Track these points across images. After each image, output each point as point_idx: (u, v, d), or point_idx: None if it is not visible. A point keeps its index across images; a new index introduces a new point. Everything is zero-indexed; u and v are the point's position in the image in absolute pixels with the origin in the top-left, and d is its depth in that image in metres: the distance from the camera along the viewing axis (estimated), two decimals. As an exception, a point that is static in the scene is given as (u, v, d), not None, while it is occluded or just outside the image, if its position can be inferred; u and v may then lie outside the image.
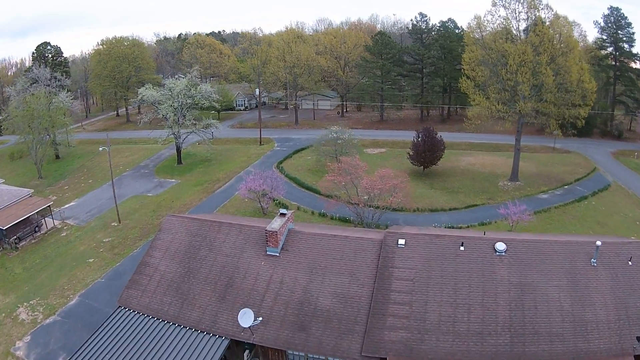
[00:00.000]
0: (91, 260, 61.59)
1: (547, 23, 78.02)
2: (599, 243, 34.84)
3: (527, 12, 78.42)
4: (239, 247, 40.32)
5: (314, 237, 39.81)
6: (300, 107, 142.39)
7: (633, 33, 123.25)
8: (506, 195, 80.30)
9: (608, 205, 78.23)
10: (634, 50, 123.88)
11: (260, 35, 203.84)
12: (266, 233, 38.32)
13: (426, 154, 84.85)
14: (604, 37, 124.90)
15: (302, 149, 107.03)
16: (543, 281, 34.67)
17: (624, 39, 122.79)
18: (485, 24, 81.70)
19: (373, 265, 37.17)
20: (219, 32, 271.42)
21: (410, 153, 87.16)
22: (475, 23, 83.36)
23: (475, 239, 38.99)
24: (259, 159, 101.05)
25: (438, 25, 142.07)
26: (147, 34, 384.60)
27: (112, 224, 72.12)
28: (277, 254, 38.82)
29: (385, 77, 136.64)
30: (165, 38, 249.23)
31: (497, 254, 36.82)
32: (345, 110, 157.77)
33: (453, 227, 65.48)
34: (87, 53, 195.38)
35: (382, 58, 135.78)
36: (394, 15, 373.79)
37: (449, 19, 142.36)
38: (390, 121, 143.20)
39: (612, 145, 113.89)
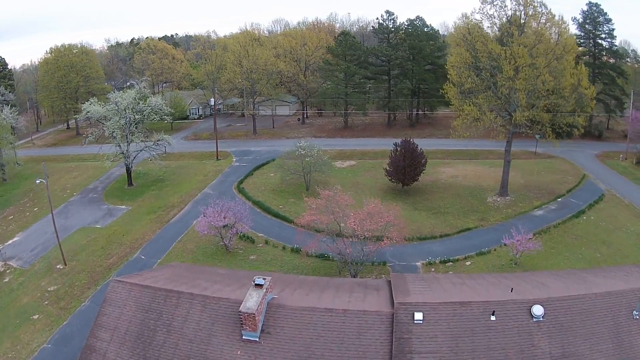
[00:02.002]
0: (36, 316, 52.80)
1: (542, 21, 71.32)
2: None
3: (519, 10, 71.42)
4: (205, 329, 31.52)
5: (303, 313, 31.22)
6: (257, 114, 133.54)
7: (613, 29, 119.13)
8: (498, 213, 74.14)
9: (608, 220, 73.22)
10: (614, 47, 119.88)
11: (215, 38, 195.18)
12: (240, 315, 29.50)
13: (406, 170, 77.33)
14: (582, 34, 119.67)
15: (264, 165, 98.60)
16: (587, 348, 29.68)
17: (603, 35, 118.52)
18: (474, 23, 74.31)
19: (384, 351, 28.94)
20: (172, 35, 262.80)
21: (388, 168, 79.33)
22: (463, 22, 76.05)
23: (508, 304, 31.84)
24: (217, 178, 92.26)
25: (406, 24, 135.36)
26: (100, 40, 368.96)
27: (58, 266, 62.96)
28: (257, 339, 30.11)
29: (349, 81, 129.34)
30: (117, 43, 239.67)
31: (535, 320, 30.77)
32: (305, 116, 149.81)
33: (450, 261, 58.91)
34: (38, 62, 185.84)
35: (346, 60, 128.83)
36: (348, 14, 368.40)
37: (417, 17, 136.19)
38: (355, 127, 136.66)
39: (595, 147, 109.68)
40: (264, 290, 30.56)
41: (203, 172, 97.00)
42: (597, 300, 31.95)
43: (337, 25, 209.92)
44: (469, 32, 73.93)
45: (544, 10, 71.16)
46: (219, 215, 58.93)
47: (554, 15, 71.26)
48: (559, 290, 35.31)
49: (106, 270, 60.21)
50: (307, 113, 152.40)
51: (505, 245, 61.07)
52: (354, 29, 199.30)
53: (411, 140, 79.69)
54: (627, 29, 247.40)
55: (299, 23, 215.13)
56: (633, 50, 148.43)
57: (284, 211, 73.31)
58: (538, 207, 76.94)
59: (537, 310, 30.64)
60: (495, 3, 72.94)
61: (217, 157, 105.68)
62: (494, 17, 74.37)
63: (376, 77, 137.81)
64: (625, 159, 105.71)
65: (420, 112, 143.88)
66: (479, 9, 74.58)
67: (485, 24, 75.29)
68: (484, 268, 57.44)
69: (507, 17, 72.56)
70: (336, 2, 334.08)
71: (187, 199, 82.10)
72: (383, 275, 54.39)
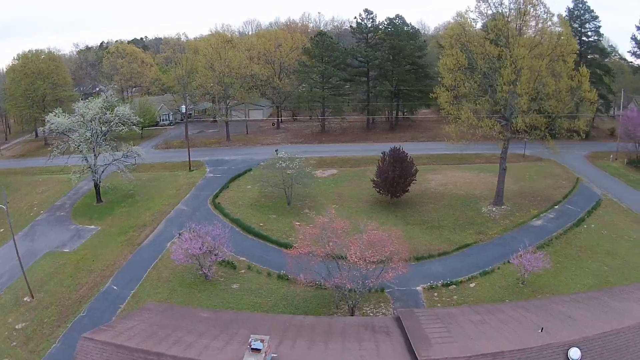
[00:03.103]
0: (4, 361, 48.28)
1: (542, 20, 69.10)
2: None
3: (518, 7, 68.89)
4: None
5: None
6: (229, 118, 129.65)
7: (599, 27, 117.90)
8: (496, 225, 71.43)
9: (609, 228, 71.23)
10: (601, 45, 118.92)
11: (185, 41, 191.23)
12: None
13: (396, 181, 73.83)
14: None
15: (240, 175, 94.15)
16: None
17: (589, 33, 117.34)
18: (469, 23, 71.74)
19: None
20: (141, 38, 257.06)
21: (376, 180, 75.91)
22: (458, 22, 73.10)
23: (544, 350, 29.24)
24: (190, 192, 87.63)
25: (385, 23, 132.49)
26: (69, 45, 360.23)
27: (25, 299, 57.81)
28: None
29: (326, 83, 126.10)
30: (87, 48, 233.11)
31: (574, 366, 28.46)
32: (280, 120, 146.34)
33: (453, 284, 55.68)
34: (4, 69, 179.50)
35: (323, 61, 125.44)
36: (319, 13, 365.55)
37: (397, 16, 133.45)
38: (333, 132, 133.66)
39: (582, 147, 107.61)
40: (263, 354, 26.79)
41: (175, 185, 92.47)
42: (630, 334, 30.66)
43: (311, 25, 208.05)
44: (464, 32, 71.02)
45: (542, 9, 68.87)
46: (196, 241, 54.75)
47: (554, 14, 69.26)
48: (589, 324, 33.40)
49: (76, 303, 55.54)
50: (281, 118, 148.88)
51: (508, 262, 58.59)
52: (329, 28, 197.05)
53: (400, 148, 76.40)
54: (609, 26, 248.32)
55: (271, 24, 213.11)
56: (611, 46, 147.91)
57: (265, 230, 69.24)
58: (536, 216, 74.50)
59: (575, 353, 28.68)
60: (491, 1, 70.44)
61: (189, 168, 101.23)
62: (488, 16, 71.90)
63: (354, 79, 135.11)
64: (616, 159, 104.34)
65: (400, 114, 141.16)
66: (475, 7, 72.26)
67: (480, 24, 73.15)
68: (489, 290, 54.43)
69: (504, 15, 69.86)
70: (307, 1, 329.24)
71: (160, 216, 77.55)
72: (382, 304, 51.24)
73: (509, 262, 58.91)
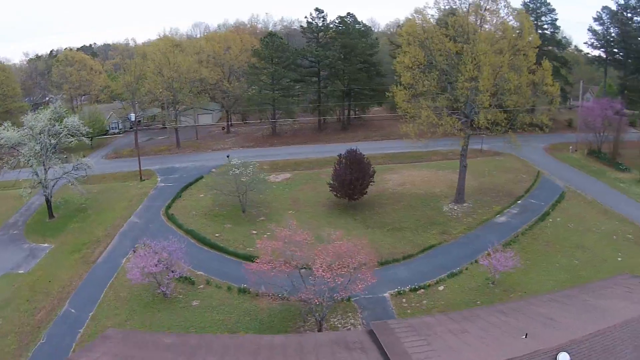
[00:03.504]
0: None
1: (504, 15, 69.71)
2: None
3: (479, 2, 68.83)
4: None
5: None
6: (179, 124, 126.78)
7: (556, 19, 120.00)
8: (459, 224, 71.04)
9: (575, 220, 71.93)
10: (558, 37, 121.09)
11: (133, 46, 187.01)
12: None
13: (353, 184, 72.42)
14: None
15: (192, 184, 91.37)
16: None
17: (546, 26, 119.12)
18: (428, 19, 71.15)
19: None
20: (90, 45, 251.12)
21: (333, 183, 74.42)
22: (418, 18, 72.31)
23: (532, 358, 27.96)
24: (142, 203, 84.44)
25: (337, 21, 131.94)
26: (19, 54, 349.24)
27: (-18, 327, 54.54)
28: None
29: (276, 85, 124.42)
30: (37, 56, 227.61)
31: (564, 371, 27.80)
32: (230, 124, 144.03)
33: (421, 288, 54.54)
34: None
35: (273, 63, 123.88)
36: (266, 14, 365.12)
37: (348, 14, 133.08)
38: (284, 134, 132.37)
39: (541, 140, 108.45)
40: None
41: (127, 197, 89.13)
42: (617, 332, 30.45)
43: (259, 26, 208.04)
44: (423, 29, 70.22)
45: (503, 3, 69.13)
46: (151, 258, 52.18)
47: (515, 9, 69.62)
48: (573, 326, 32.70)
49: (35, 329, 52.21)
50: (231, 121, 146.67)
51: (476, 262, 58.67)
52: (278, 29, 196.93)
53: (357, 149, 75.14)
54: (564, 17, 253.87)
55: (219, 26, 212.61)
56: (565, 37, 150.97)
57: (221, 240, 66.89)
58: (499, 212, 74.49)
59: (564, 358, 27.84)
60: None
61: (140, 178, 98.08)
62: (447, 12, 71.74)
63: (305, 80, 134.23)
64: (576, 150, 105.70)
65: (352, 114, 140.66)
66: (434, 3, 72.30)
67: (437, 20, 72.48)
68: (459, 292, 53.58)
69: (464, 11, 69.58)
70: (256, 2, 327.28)
71: (113, 231, 74.41)
72: (350, 314, 49.60)
73: (476, 262, 58.85)
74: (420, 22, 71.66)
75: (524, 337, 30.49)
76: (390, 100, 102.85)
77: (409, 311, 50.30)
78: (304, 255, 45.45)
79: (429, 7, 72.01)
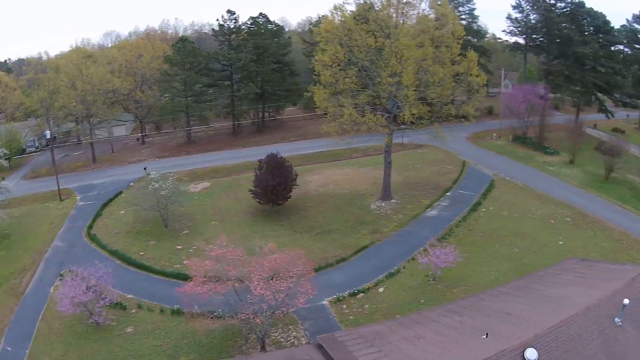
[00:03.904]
0: None
1: (425, 8, 70.10)
2: (626, 302, 30.35)
3: None
4: None
5: None
6: (94, 139, 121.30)
7: (474, 9, 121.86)
8: (389, 222, 69.81)
9: (508, 208, 72.48)
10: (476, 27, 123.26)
11: (46, 59, 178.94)
12: None
13: (277, 190, 70.02)
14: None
15: (111, 200, 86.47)
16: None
17: (464, 16, 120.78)
18: (348, 15, 69.42)
19: None
20: (5, 61, 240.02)
21: (255, 190, 71.66)
22: (337, 15, 70.47)
23: (499, 359, 26.56)
24: (64, 224, 78.93)
25: (249, 22, 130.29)
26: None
27: None
28: None
29: (189, 91, 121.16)
30: None
31: (531, 367, 26.93)
32: (144, 135, 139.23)
33: (360, 292, 52.73)
34: None
35: (185, 68, 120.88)
36: (175, 19, 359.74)
37: (260, 14, 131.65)
38: (200, 141, 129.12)
39: (462, 129, 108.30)
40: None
41: (48, 219, 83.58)
42: (580, 321, 29.93)
43: (170, 31, 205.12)
44: (343, 25, 68.57)
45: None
46: (79, 286, 48.31)
47: (437, 1, 68.95)
48: (533, 319, 31.96)
49: None
50: (146, 132, 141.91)
51: (413, 259, 57.72)
52: (189, 33, 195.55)
53: (277, 153, 72.80)
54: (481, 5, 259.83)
55: (130, 34, 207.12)
56: (479, 26, 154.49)
57: (147, 259, 63.26)
58: (429, 206, 73.95)
59: (532, 354, 26.91)
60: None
61: (60, 198, 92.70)
62: (367, 7, 70.51)
63: (218, 84, 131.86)
64: (499, 137, 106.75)
65: (267, 115, 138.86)
66: None
67: (356, 15, 71.21)
68: (401, 292, 52.06)
69: (383, 3, 68.57)
70: (165, 8, 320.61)
71: (38, 257, 69.15)
72: (291, 327, 47.12)
73: (413, 259, 57.84)
74: (339, 18, 70.07)
75: (484, 337, 29.28)
76: (305, 100, 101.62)
77: (351, 317, 48.41)
78: (238, 274, 42.63)
79: (348, 3, 69.75)
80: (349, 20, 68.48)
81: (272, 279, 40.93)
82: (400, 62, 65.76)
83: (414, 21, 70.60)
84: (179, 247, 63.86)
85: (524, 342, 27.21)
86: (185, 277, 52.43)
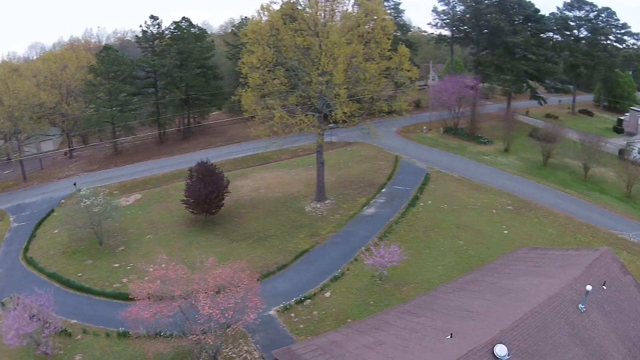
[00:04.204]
0: None
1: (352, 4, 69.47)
2: (589, 288, 31.10)
3: None
4: None
5: None
6: (23, 155, 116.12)
7: (399, 4, 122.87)
8: (327, 223, 68.97)
9: (447, 201, 72.98)
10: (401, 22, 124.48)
11: None
12: None
13: (209, 198, 68.18)
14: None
15: (45, 220, 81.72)
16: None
17: (389, 11, 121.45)
18: (275, 14, 67.76)
19: None
20: None
21: (187, 199, 69.48)
22: (264, 15, 68.66)
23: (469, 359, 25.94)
24: (1, 248, 74.65)
25: (172, 27, 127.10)
26: None
27: None
28: None
29: (114, 101, 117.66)
30: None
31: (503, 364, 26.87)
32: (72, 148, 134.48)
33: (307, 298, 51.68)
34: None
35: (109, 78, 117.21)
36: (98, 27, 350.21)
37: (183, 18, 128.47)
38: (127, 152, 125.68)
39: (391, 124, 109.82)
40: None
41: None
42: (544, 311, 30.02)
43: (93, 40, 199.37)
44: (271, 26, 67.14)
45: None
46: (22, 317, 45.46)
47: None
48: (496, 314, 31.77)
49: None
50: (73, 145, 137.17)
51: (356, 260, 57.26)
52: (112, 41, 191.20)
53: (208, 161, 70.86)
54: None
55: (54, 45, 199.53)
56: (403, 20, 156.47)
57: (85, 280, 60.33)
58: (366, 204, 73.57)
59: (501, 350, 26.61)
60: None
61: None
62: (294, 5, 69.57)
63: (143, 92, 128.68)
64: (430, 129, 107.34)
65: (192, 121, 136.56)
66: None
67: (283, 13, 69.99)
68: (348, 295, 51.28)
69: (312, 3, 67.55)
70: (88, 17, 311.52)
71: None
72: (241, 341, 45.44)
73: (356, 260, 57.34)
74: (266, 19, 68.64)
75: (449, 337, 28.61)
76: (230, 103, 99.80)
77: (301, 326, 47.26)
78: (183, 293, 40.78)
79: (274, 2, 68.40)
80: (277, 19, 67.02)
81: (218, 295, 39.41)
82: (331, 61, 64.91)
83: (342, 18, 69.86)
84: (116, 264, 61.47)
85: (491, 339, 26.74)
86: (126, 297, 50.50)
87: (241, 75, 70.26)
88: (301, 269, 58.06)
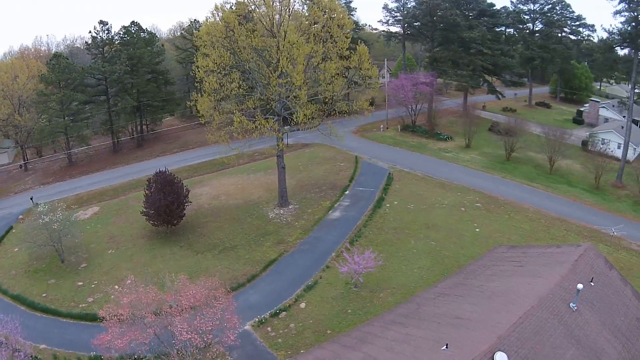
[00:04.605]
0: None
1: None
2: (580, 287, 30.99)
3: None
4: None
5: None
6: None
7: (350, 1, 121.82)
8: (292, 230, 67.79)
9: (414, 200, 72.52)
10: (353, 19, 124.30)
11: None
12: None
13: (170, 209, 66.20)
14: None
15: (3, 237, 77.63)
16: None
17: (340, 9, 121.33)
18: (230, 14, 65.93)
19: None
20: None
21: (147, 211, 67.38)
22: (218, 15, 66.89)
23: None
24: None
25: (122, 32, 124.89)
26: None
27: None
28: None
29: (66, 110, 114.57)
30: None
31: (505, 373, 26.07)
32: (26, 161, 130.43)
33: (282, 310, 50.17)
34: None
35: (60, 87, 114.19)
36: (47, 35, 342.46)
37: (133, 22, 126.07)
38: (81, 162, 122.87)
39: (346, 124, 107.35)
40: None
41: None
42: (538, 313, 29.80)
43: (43, 48, 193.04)
44: (226, 26, 65.24)
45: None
46: None
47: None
48: (489, 319, 30.79)
49: None
50: (27, 157, 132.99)
51: (327, 267, 56.54)
52: (62, 49, 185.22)
53: (166, 170, 68.89)
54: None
55: (5, 54, 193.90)
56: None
57: (51, 301, 57.60)
58: (331, 208, 72.66)
59: (502, 358, 25.97)
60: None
61: None
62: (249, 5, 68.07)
63: (94, 100, 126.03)
64: (387, 128, 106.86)
65: (145, 128, 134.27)
66: None
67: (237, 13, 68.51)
68: (324, 305, 50.18)
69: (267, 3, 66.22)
70: (37, 24, 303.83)
71: None
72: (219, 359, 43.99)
73: (328, 267, 56.57)
74: (220, 19, 66.78)
75: (444, 348, 27.80)
76: (182, 109, 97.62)
77: (280, 340, 45.84)
78: (158, 319, 39.00)
79: (228, 3, 66.84)
80: (232, 19, 65.33)
81: (195, 318, 37.87)
82: (290, 61, 63.72)
83: (296, 16, 69.28)
84: (80, 283, 59.06)
85: (489, 347, 26.09)
86: (94, 318, 49.18)
87: (196, 80, 68.63)
88: (272, 279, 56.55)
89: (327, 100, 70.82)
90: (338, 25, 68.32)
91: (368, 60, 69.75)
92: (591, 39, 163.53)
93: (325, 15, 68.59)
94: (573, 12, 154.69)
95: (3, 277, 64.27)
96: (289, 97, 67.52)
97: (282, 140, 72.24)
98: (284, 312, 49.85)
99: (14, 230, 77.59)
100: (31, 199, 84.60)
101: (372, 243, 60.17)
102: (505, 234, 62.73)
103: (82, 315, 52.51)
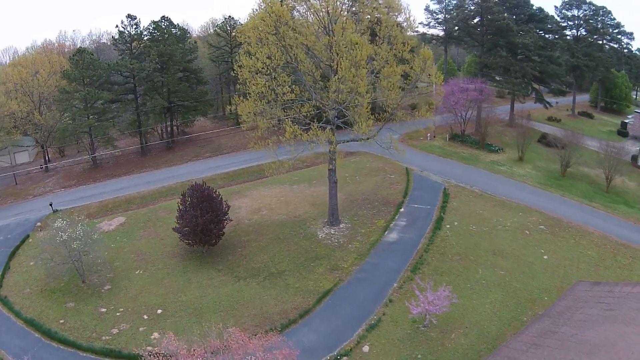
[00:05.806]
0: None
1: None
2: None
3: None
4: None
5: None
6: None
7: None
8: (347, 253, 61.71)
9: (475, 221, 67.02)
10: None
11: None
12: None
13: (208, 228, 60.42)
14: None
15: (19, 248, 72.25)
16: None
17: (402, 8, 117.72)
18: (284, 9, 60.06)
19: None
20: None
21: (182, 229, 61.48)
22: (268, 9, 59.77)
23: None
24: None
25: (151, 27, 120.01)
26: None
27: None
28: None
29: (91, 109, 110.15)
30: None
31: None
32: (48, 160, 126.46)
33: (342, 356, 44.33)
34: None
35: (85, 84, 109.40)
36: (73, 31, 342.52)
37: (163, 18, 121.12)
38: (106, 165, 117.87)
39: (387, 130, 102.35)
40: None
41: None
42: None
43: (68, 43, 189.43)
44: (278, 20, 58.55)
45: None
46: None
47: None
48: None
49: None
50: (49, 157, 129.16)
51: (390, 301, 51.15)
52: (87, 44, 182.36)
53: (204, 183, 63.20)
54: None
55: (27, 49, 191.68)
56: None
57: (69, 330, 51.74)
58: (386, 228, 66.70)
59: None
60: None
61: None
62: None
63: (121, 99, 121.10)
64: (434, 136, 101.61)
65: (176, 130, 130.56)
66: None
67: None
68: (391, 349, 44.40)
69: None
70: (62, 19, 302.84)
71: None
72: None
73: (390, 301, 51.07)
74: (270, 12, 59.42)
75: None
76: (215, 111, 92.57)
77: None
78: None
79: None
80: (285, 13, 58.71)
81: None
82: (355, 65, 57.24)
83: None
84: (103, 309, 53.52)
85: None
86: (119, 355, 44.54)
87: (238, 82, 62.94)
88: (327, 315, 50.62)
89: (387, 109, 64.92)
90: (397, 25, 62.64)
91: (432, 65, 64.09)
92: (630, 46, 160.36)
93: (390, 13, 63.18)
94: (614, 19, 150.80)
95: (16, 296, 58.98)
96: (347, 105, 61.96)
97: (334, 151, 66.30)
98: (345, 358, 44.17)
99: (30, 240, 72.42)
100: (50, 204, 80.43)
101: (437, 272, 54.85)
102: (574, 262, 57.19)
103: (105, 352, 46.98)
